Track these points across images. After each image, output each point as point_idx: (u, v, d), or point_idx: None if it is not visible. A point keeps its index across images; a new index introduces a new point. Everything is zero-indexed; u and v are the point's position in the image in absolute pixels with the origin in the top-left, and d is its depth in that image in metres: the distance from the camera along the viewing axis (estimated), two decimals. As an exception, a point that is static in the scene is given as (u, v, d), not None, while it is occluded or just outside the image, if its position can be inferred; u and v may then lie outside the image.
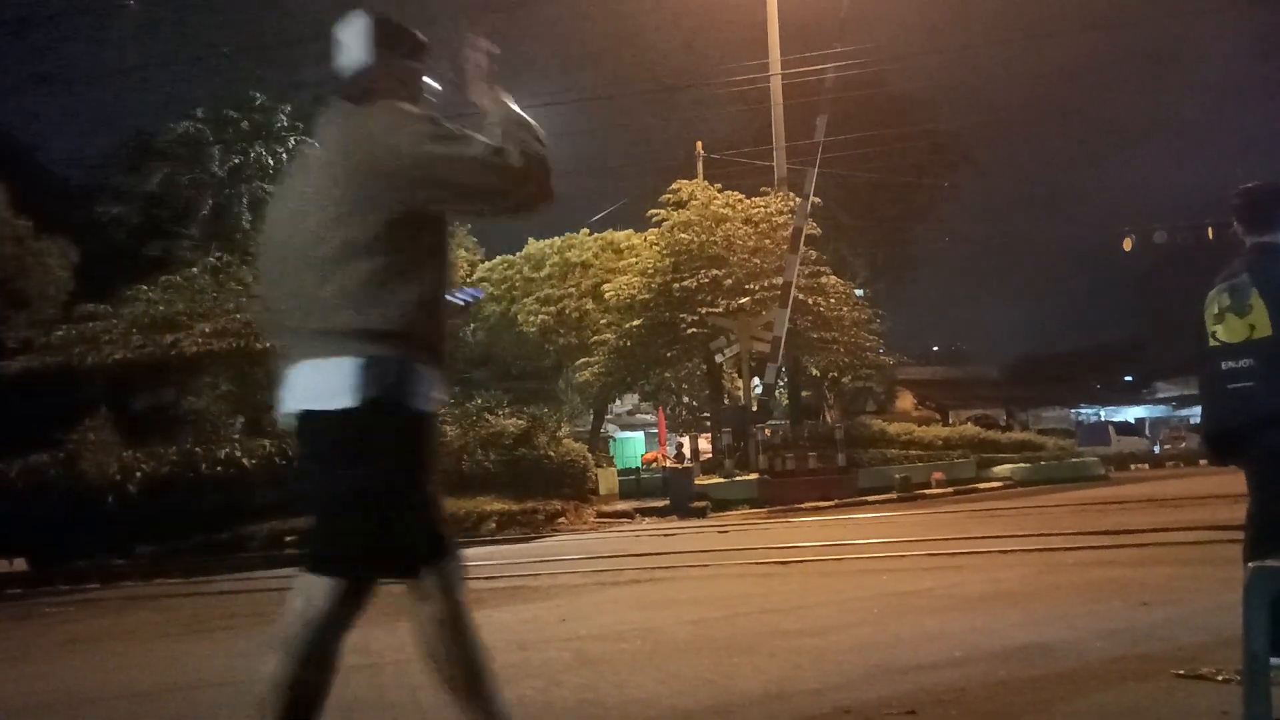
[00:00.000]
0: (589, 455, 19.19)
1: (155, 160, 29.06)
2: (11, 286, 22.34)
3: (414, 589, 2.34)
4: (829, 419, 28.13)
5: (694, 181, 23.77)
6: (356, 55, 2.41)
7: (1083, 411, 52.49)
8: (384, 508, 2.21)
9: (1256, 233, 3.78)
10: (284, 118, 30.79)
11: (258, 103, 30.62)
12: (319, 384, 2.19)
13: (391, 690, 4.39)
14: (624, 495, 19.10)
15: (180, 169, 29.05)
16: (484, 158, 2.18)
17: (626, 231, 26.27)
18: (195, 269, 23.62)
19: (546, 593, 7.72)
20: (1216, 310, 3.73)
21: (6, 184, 22.82)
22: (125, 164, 29.37)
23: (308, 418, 2.24)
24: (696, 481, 18.04)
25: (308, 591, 2.27)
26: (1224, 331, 3.70)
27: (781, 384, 25.71)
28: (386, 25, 2.44)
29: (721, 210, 22.32)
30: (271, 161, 30.04)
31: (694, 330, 21.06)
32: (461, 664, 2.41)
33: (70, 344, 20.51)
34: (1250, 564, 2.52)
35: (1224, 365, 3.69)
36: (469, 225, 31.77)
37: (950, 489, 19.47)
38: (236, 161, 29.82)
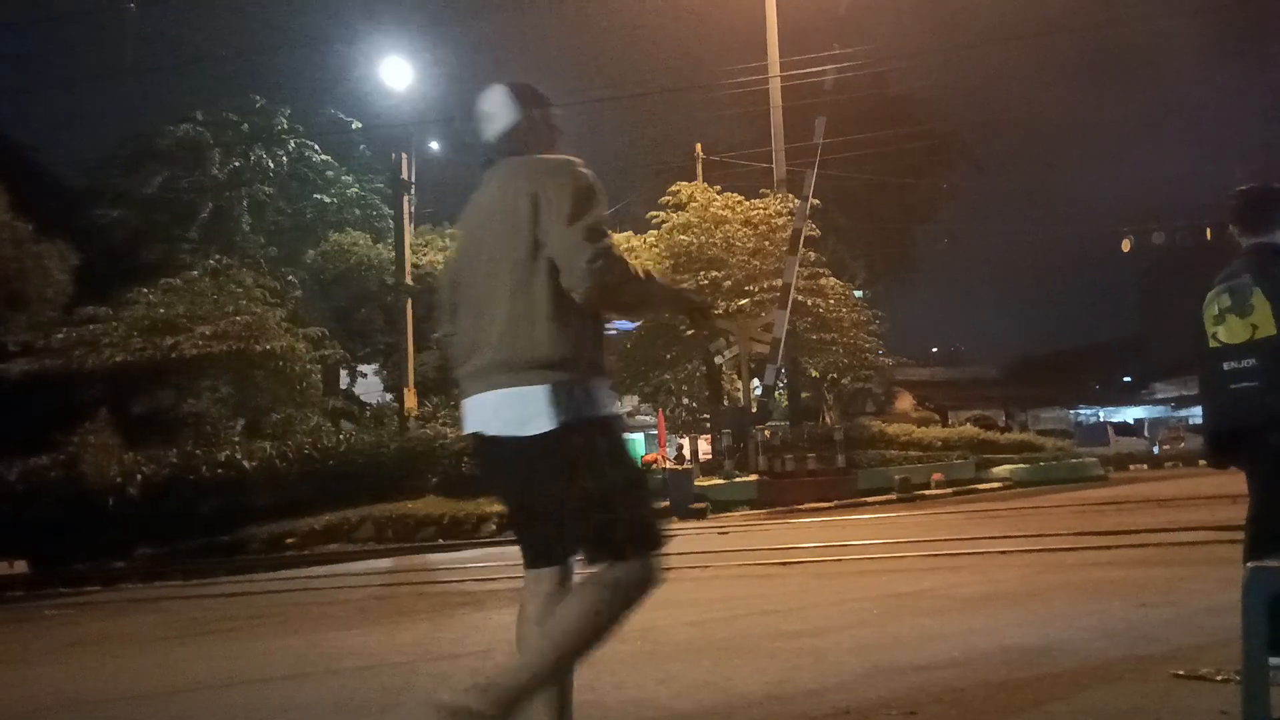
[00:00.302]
0: (589, 457, 19.19)
1: (155, 163, 29.05)
2: (11, 289, 22.33)
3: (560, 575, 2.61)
4: (828, 420, 28.11)
5: (693, 183, 23.78)
6: (503, 118, 2.74)
7: (1081, 412, 52.52)
8: (623, 499, 2.49)
9: (1255, 234, 3.77)
10: (284, 120, 30.80)
11: (257, 105, 30.62)
12: (526, 410, 2.43)
13: (395, 691, 4.39)
14: (624, 497, 19.09)
15: (180, 172, 29.05)
16: (592, 249, 2.42)
17: (626, 233, 26.25)
18: (195, 272, 23.62)
19: (546, 594, 7.72)
20: (1216, 311, 3.72)
21: (6, 186, 22.81)
22: (125, 167, 29.36)
23: (512, 441, 2.46)
24: (696, 483, 18.04)
25: (615, 576, 2.46)
26: (1225, 333, 3.69)
27: (781, 385, 25.71)
28: (520, 87, 2.80)
29: (721, 212, 22.33)
30: (271, 164, 30.05)
31: (693, 332, 21.09)
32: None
33: (70, 347, 20.53)
34: (1248, 564, 2.53)
35: (1226, 366, 3.66)
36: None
37: (949, 490, 19.48)
38: (236, 164, 29.82)
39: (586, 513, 2.46)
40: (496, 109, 2.76)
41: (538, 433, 2.41)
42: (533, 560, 2.62)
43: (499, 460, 2.56)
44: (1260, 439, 3.64)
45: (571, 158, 2.62)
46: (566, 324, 2.44)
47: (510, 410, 2.45)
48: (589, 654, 2.46)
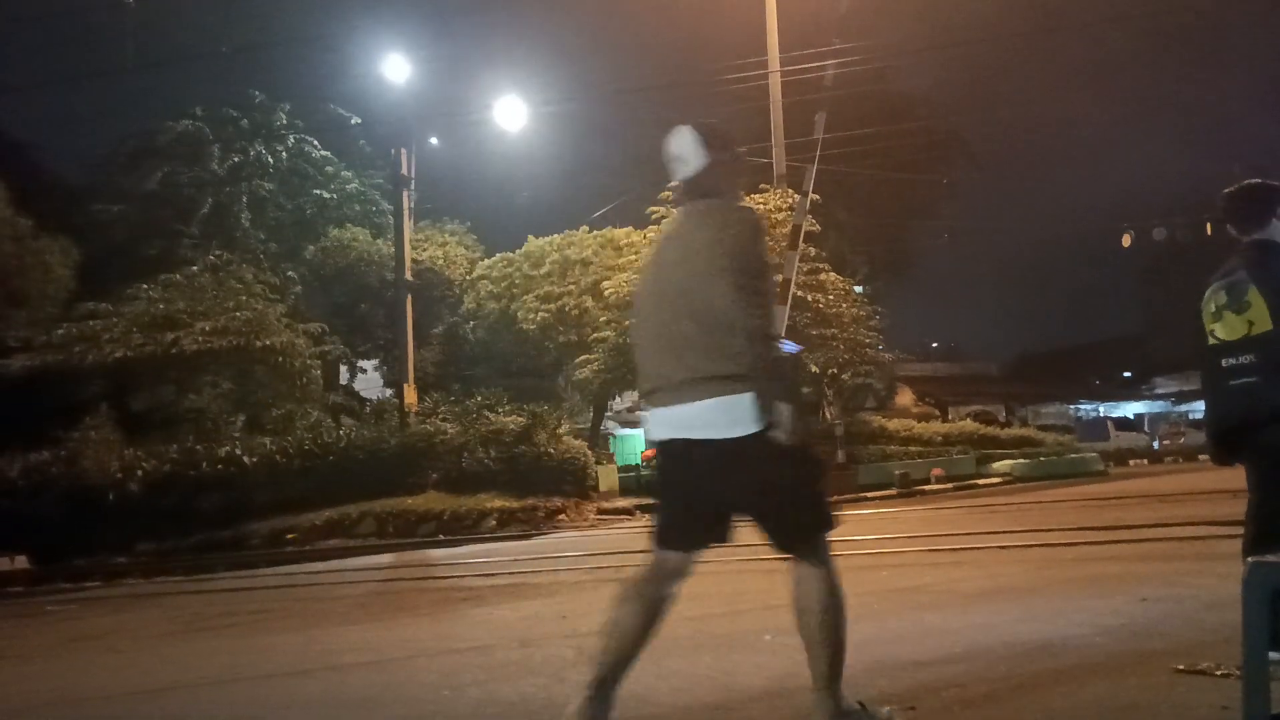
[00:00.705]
0: (589, 452, 19.19)
1: (155, 159, 29.04)
2: (12, 285, 22.34)
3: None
4: (828, 416, 28.09)
5: (693, 179, 23.72)
6: (693, 162, 3.05)
7: (1082, 407, 52.50)
8: (809, 489, 2.96)
9: (1250, 231, 3.80)
10: (283, 116, 30.77)
11: (257, 101, 30.60)
12: (733, 416, 2.83)
13: (397, 687, 4.40)
14: (624, 492, 19.09)
15: (180, 168, 29.04)
16: (752, 306, 2.83)
17: (626, 229, 26.24)
18: (195, 268, 23.62)
19: (547, 589, 7.74)
20: (1214, 309, 3.75)
21: (7, 183, 22.81)
22: (125, 163, 29.35)
23: (717, 442, 2.86)
24: (697, 478, 18.04)
25: (815, 556, 2.92)
26: (1222, 329, 3.72)
27: (781, 381, 25.67)
28: (707, 129, 3.08)
29: (721, 207, 22.30)
30: (271, 160, 30.03)
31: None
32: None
33: (71, 342, 20.53)
34: (1249, 559, 2.53)
35: (1224, 363, 3.69)
36: (468, 223, 31.83)
37: (950, 485, 19.50)
38: (236, 160, 29.80)
39: (780, 501, 2.90)
40: (686, 153, 3.07)
41: (743, 434, 2.82)
42: (678, 544, 3.06)
43: (698, 460, 2.92)
44: (1260, 434, 3.66)
45: (750, 209, 3.06)
46: (758, 345, 2.82)
47: (718, 416, 2.84)
48: (845, 619, 2.97)
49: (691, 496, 3.03)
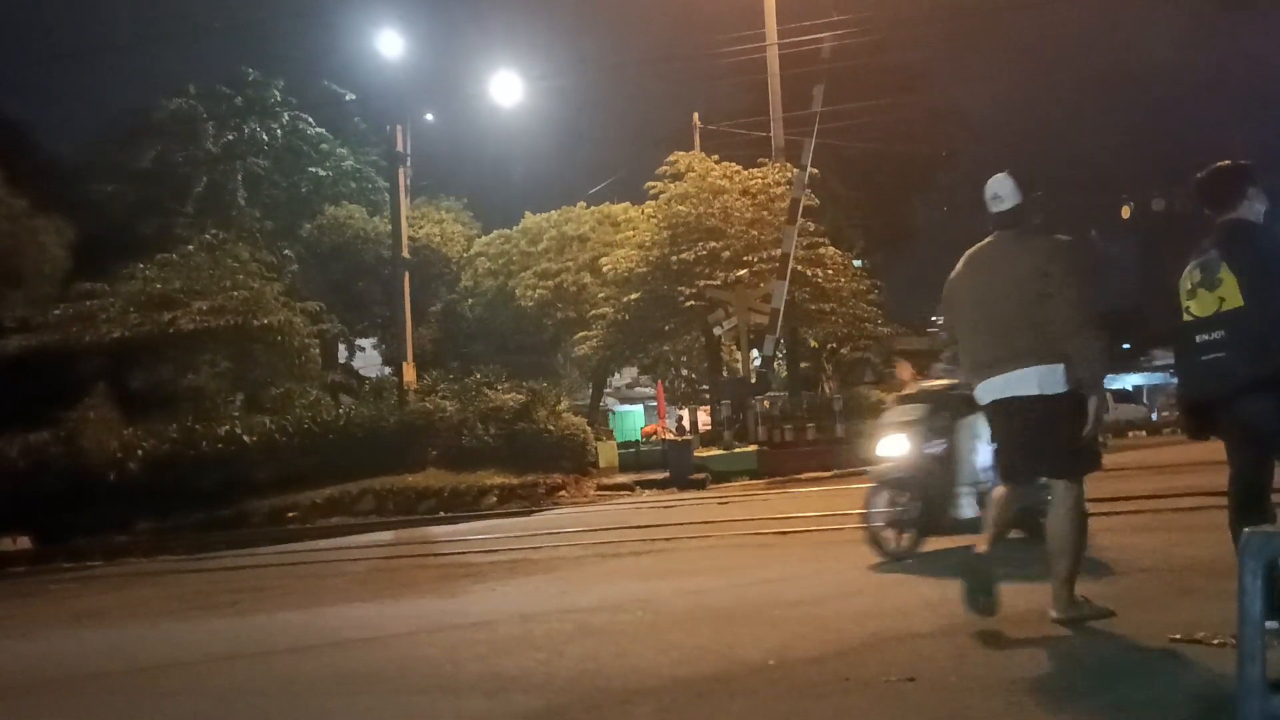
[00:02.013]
0: (588, 429, 19.21)
1: (149, 137, 28.85)
2: (7, 265, 22.27)
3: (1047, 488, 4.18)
4: (827, 390, 28.12)
5: (691, 153, 23.60)
6: (1008, 201, 4.13)
7: (1080, 379, 52.31)
8: (1086, 440, 4.03)
9: (1222, 211, 3.92)
10: (277, 93, 30.54)
11: (250, 78, 30.35)
12: (1053, 380, 3.96)
13: (399, 662, 4.42)
14: (624, 468, 19.10)
15: (174, 146, 28.85)
16: (1091, 331, 3.99)
17: (623, 204, 26.11)
18: (191, 247, 23.52)
19: (547, 565, 7.77)
20: (1189, 286, 3.88)
21: (1, 163, 22.67)
22: (119, 141, 29.13)
23: (1039, 399, 3.99)
24: (696, 454, 18.07)
25: (1077, 487, 4.03)
26: (1196, 306, 3.85)
27: (780, 356, 25.68)
28: (1023, 174, 4.14)
29: (719, 182, 22.17)
30: (265, 137, 29.84)
31: (692, 303, 21.00)
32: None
33: (68, 322, 20.49)
34: (1245, 530, 2.54)
35: (1198, 339, 3.83)
36: (465, 199, 31.70)
37: (948, 458, 19.52)
38: (230, 138, 29.61)
39: (1067, 446, 3.98)
40: (1005, 194, 4.13)
41: (1055, 393, 3.96)
42: (1009, 478, 4.23)
43: (1023, 412, 4.03)
44: (1230, 408, 3.79)
45: (1065, 239, 4.08)
46: (1079, 338, 3.93)
47: (1042, 380, 3.97)
48: (1084, 538, 4.06)
49: (1013, 440, 4.14)
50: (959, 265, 4.36)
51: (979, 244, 4.29)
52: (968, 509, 5.87)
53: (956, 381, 5.64)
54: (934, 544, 6.12)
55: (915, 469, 6.04)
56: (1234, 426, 3.82)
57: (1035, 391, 3.98)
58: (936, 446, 5.96)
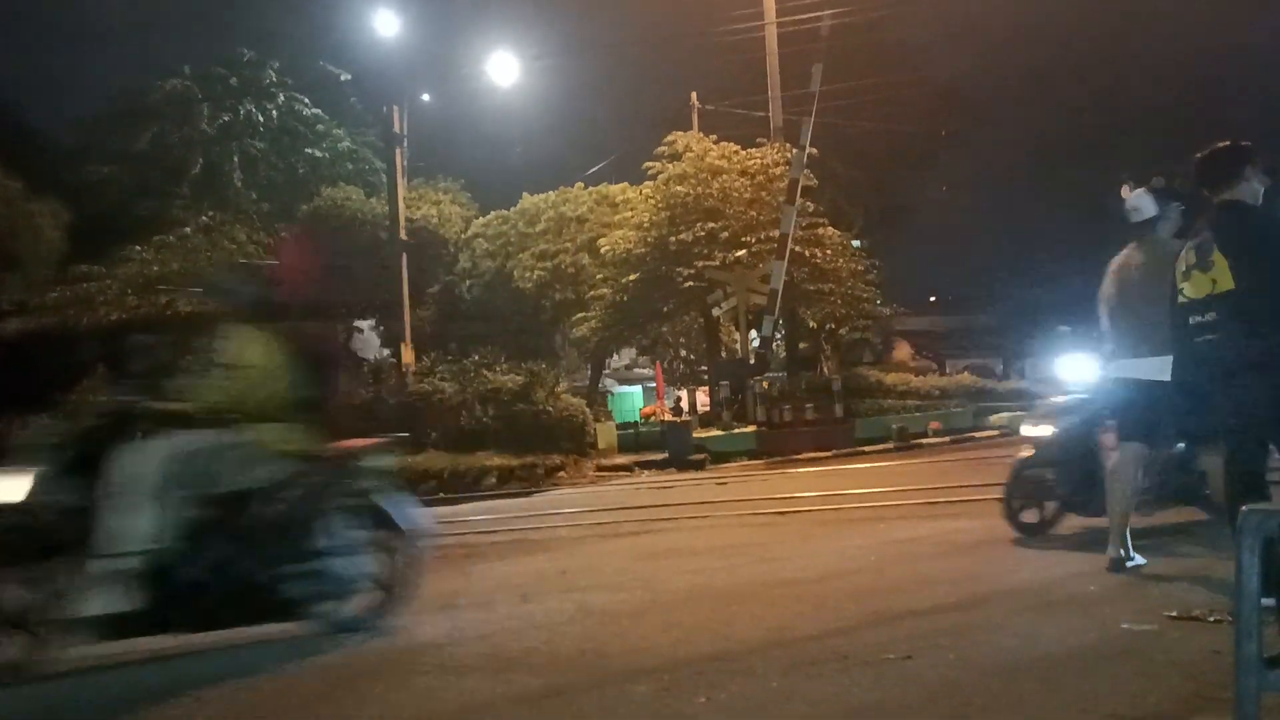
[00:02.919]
0: (587, 410, 19.21)
1: (144, 119, 28.71)
2: (3, 248, 22.19)
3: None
4: (826, 370, 28.11)
5: (689, 133, 23.49)
6: (1145, 213, 4.94)
7: (1080, 359, 52.33)
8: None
9: (1218, 191, 3.93)
10: (273, 74, 30.37)
11: (245, 59, 30.18)
12: (1164, 369, 4.44)
13: (402, 641, 4.44)
14: (623, 449, 19.11)
15: (170, 128, 28.72)
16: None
17: (621, 185, 26.00)
18: (188, 228, 23.47)
19: (547, 545, 7.79)
20: (1184, 268, 3.91)
21: (-5, 145, 22.57)
22: (115, 123, 28.99)
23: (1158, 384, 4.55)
24: (695, 434, 18.09)
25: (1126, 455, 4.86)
26: (1190, 288, 3.88)
27: (779, 336, 25.67)
28: (1159, 192, 4.89)
29: (717, 162, 22.08)
30: (261, 119, 29.69)
31: (690, 284, 20.96)
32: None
33: (65, 305, 20.45)
34: (1243, 508, 2.55)
35: (1191, 320, 3.87)
36: (462, 180, 31.58)
37: (947, 438, 19.56)
38: (226, 119, 29.47)
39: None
40: (1143, 207, 4.94)
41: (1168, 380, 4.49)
42: (1143, 438, 4.88)
43: (1142, 388, 4.70)
44: (1221, 389, 3.81)
45: (1168, 241, 4.71)
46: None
47: (1165, 368, 4.42)
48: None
49: (1138, 414, 4.81)
50: (1109, 273, 5.04)
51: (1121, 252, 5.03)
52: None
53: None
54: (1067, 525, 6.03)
55: (1064, 448, 5.86)
56: (1225, 408, 3.84)
57: (1164, 376, 4.63)
58: (1082, 429, 5.75)
